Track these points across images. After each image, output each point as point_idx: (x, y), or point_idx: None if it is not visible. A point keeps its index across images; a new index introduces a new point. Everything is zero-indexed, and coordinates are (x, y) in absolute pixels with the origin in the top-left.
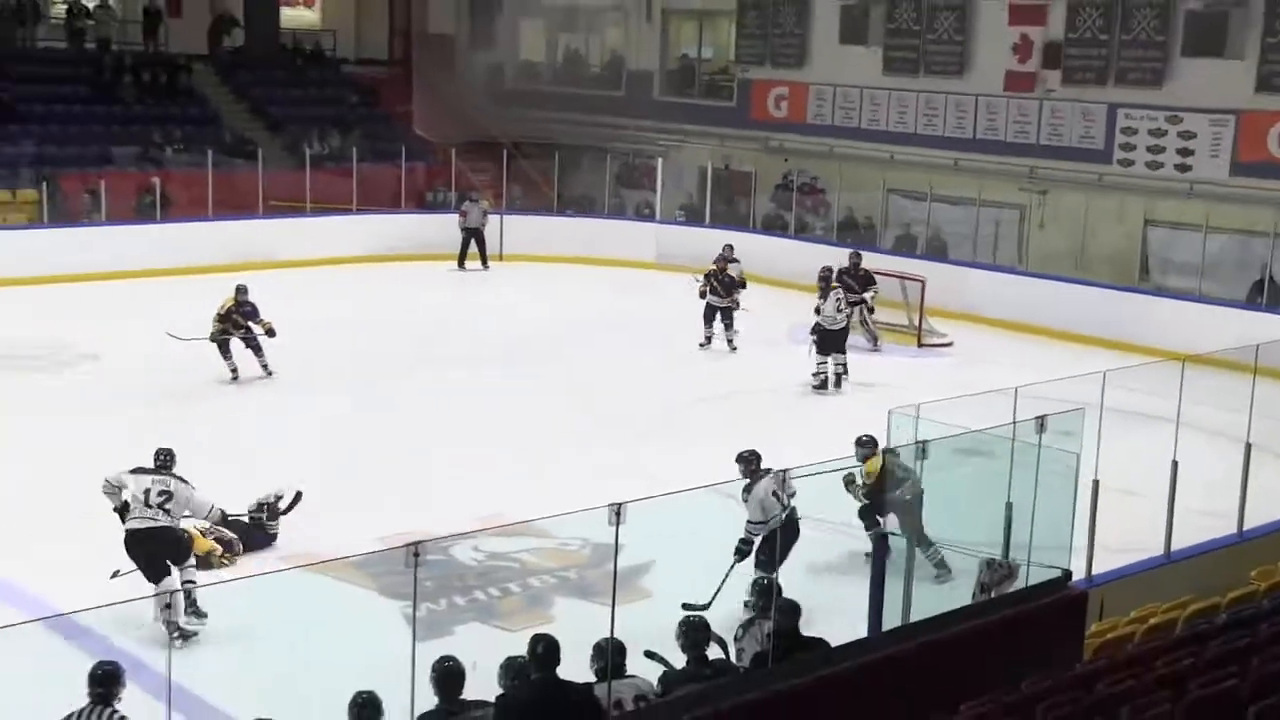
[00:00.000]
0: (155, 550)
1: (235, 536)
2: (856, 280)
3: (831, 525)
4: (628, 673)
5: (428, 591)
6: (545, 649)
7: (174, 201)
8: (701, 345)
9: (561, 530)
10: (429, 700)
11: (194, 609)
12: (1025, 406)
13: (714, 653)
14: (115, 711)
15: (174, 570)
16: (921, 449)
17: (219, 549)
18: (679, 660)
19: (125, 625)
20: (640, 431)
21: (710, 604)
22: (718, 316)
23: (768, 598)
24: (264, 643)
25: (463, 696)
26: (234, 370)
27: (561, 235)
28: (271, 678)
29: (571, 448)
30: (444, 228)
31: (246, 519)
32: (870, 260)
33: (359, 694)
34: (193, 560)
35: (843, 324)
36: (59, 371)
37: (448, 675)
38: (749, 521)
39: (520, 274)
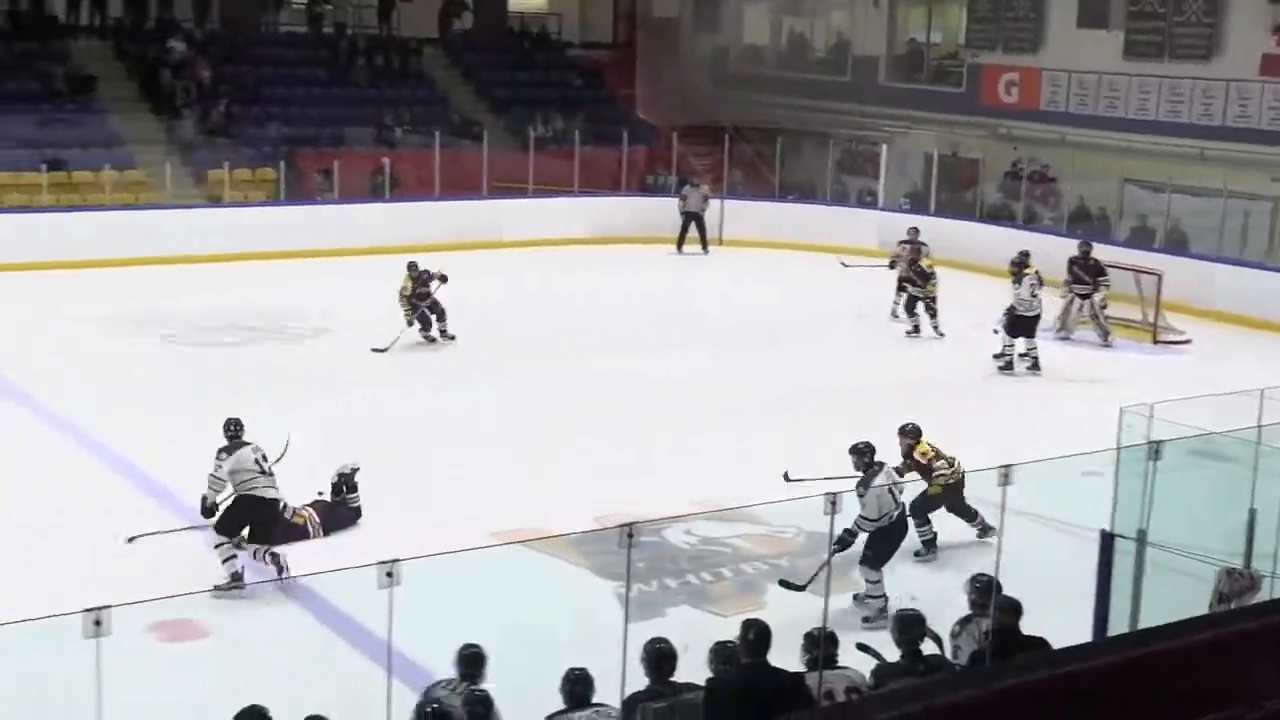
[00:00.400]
0: (263, 517)
1: (315, 521)
2: (1086, 270)
3: (1055, 523)
4: (839, 664)
5: (640, 573)
6: (756, 634)
7: (402, 181)
8: (909, 334)
9: (775, 517)
10: (639, 680)
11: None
12: (1272, 409)
13: (929, 648)
14: (479, 689)
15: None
16: (1155, 450)
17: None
18: (892, 654)
19: (348, 590)
20: (861, 420)
21: (806, 586)
22: (919, 306)
23: (986, 595)
24: (478, 616)
25: (673, 678)
26: (431, 338)
27: (782, 221)
28: (484, 648)
29: (788, 433)
30: (664, 211)
31: (328, 498)
32: (1103, 253)
33: (571, 670)
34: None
35: (1037, 310)
36: (296, 342)
37: (659, 656)
38: (862, 517)
39: (739, 258)
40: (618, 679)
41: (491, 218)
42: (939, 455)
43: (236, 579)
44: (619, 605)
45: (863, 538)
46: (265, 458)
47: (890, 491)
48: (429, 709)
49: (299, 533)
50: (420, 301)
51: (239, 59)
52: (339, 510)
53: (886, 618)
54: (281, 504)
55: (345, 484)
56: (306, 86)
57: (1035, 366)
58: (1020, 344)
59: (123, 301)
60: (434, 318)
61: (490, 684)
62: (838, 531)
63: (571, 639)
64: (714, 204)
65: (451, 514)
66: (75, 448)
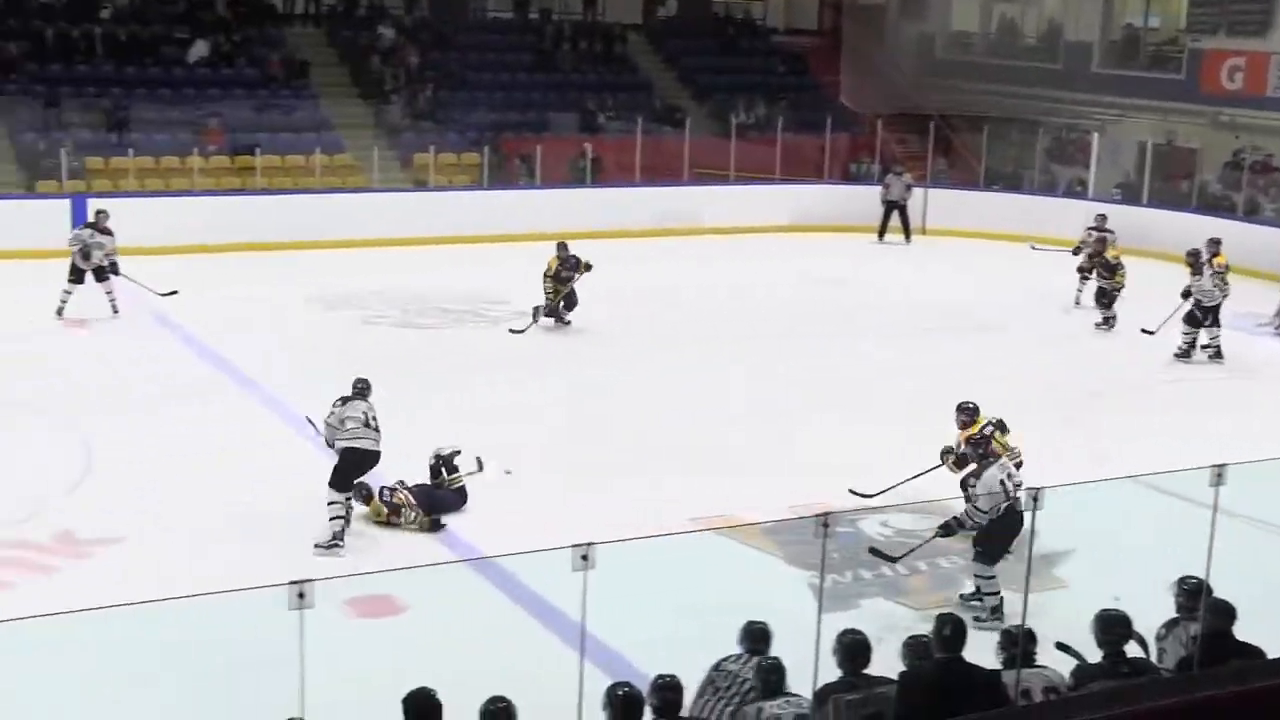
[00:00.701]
0: (367, 469)
1: (410, 503)
2: None
3: (1272, 527)
4: (1037, 663)
5: (834, 563)
6: (952, 630)
7: (604, 167)
8: (1099, 326)
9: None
10: (832, 672)
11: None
12: None
13: (1133, 651)
14: (770, 658)
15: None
16: None
17: (385, 511)
18: (1093, 656)
19: (542, 571)
20: (1065, 416)
21: (899, 560)
22: (1109, 298)
23: (1195, 598)
24: (671, 601)
25: (866, 671)
26: (566, 321)
27: (986, 210)
28: (675, 634)
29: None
30: (866, 199)
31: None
32: None
33: (765, 659)
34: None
35: (1219, 300)
36: (494, 325)
37: (853, 648)
38: (974, 507)
39: (941, 248)
40: (810, 669)
41: (692, 204)
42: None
43: (337, 539)
44: (812, 595)
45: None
46: (374, 418)
47: (1003, 482)
48: (620, 691)
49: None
50: (563, 285)
51: (446, 45)
52: (438, 493)
53: (1001, 618)
54: (376, 451)
55: (444, 466)
56: (511, 72)
57: (1218, 355)
58: (1203, 334)
59: (328, 283)
60: (562, 304)
61: (673, 670)
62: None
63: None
64: (917, 193)
65: (650, 498)
66: (280, 424)
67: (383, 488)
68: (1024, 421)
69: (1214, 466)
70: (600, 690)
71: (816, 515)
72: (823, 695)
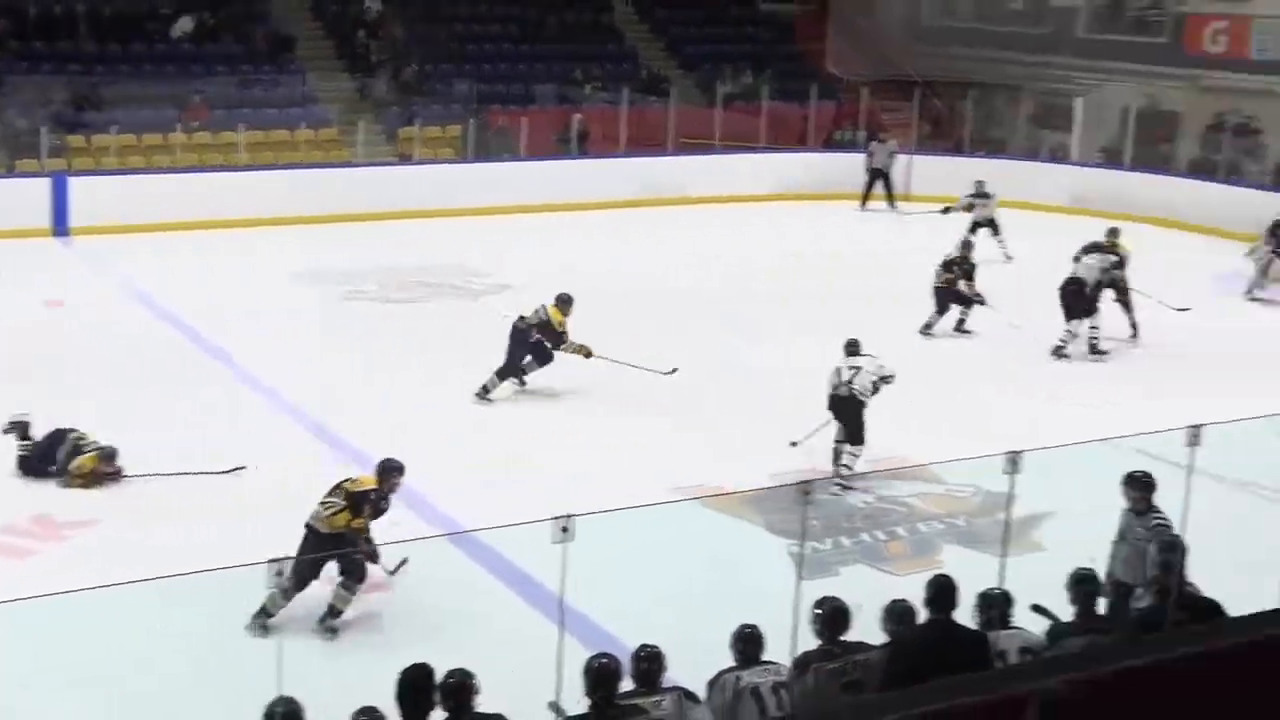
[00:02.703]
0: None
1: None
2: None
3: (1245, 485)
4: (1013, 624)
5: (815, 531)
6: (941, 591)
7: (590, 138)
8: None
9: (953, 476)
10: (810, 639)
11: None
12: None
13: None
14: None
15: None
16: None
17: None
18: (1069, 617)
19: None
20: (1051, 377)
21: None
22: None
23: (1171, 553)
24: (652, 571)
25: (845, 638)
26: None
27: (970, 176)
28: (655, 604)
29: (966, 392)
30: (850, 167)
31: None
32: None
33: (743, 627)
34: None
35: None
36: (475, 299)
37: (833, 615)
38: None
39: (923, 215)
40: (789, 637)
41: (678, 174)
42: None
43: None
44: (792, 563)
45: None
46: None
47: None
48: (596, 663)
49: None
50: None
51: (433, 17)
52: None
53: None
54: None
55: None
56: (497, 43)
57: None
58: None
59: (312, 259)
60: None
61: (653, 639)
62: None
63: (744, 596)
64: (901, 159)
65: (630, 470)
66: (259, 400)
67: None
68: (1006, 389)
69: (1189, 427)
70: (580, 662)
71: (798, 484)
72: (802, 663)
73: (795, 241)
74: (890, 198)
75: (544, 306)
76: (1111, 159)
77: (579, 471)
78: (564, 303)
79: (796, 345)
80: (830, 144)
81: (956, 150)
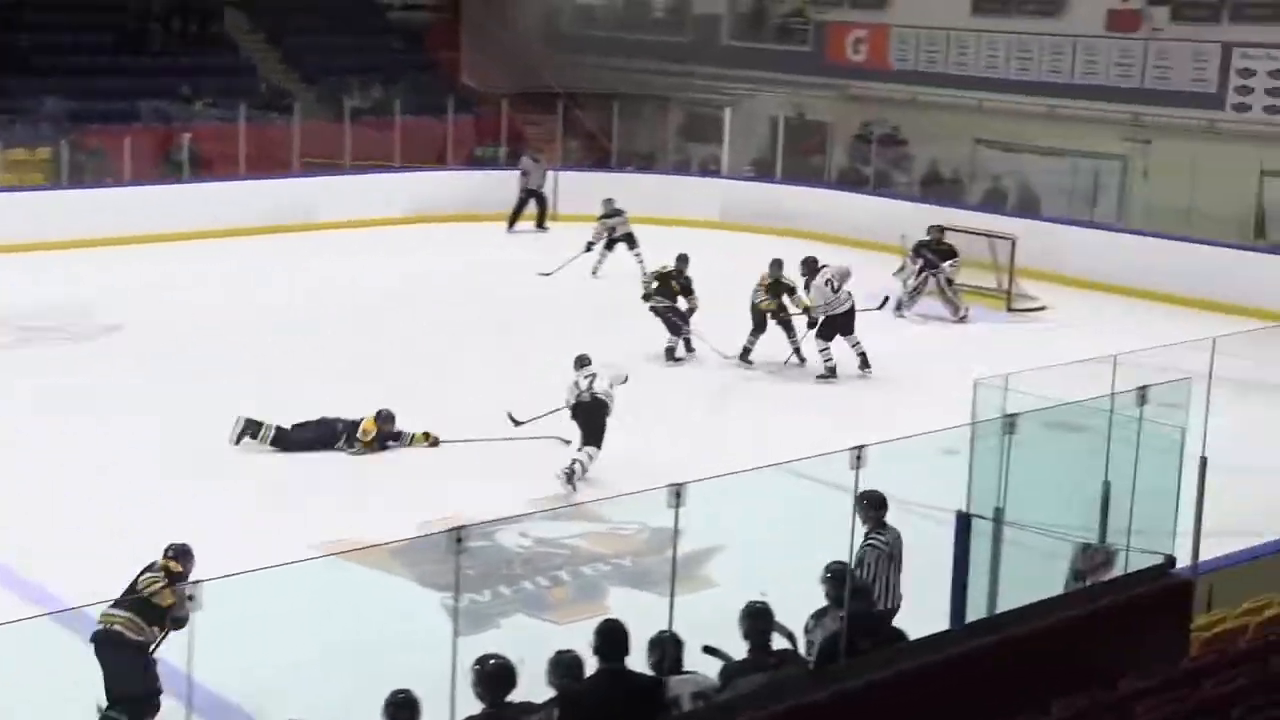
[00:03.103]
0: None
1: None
2: (938, 254)
3: (912, 506)
4: (685, 669)
5: (471, 581)
6: (612, 636)
7: (203, 159)
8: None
9: (617, 513)
10: (471, 702)
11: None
12: (1126, 376)
13: (780, 644)
14: None
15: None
16: (1010, 423)
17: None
18: (742, 653)
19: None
20: (696, 407)
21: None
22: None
23: (840, 585)
24: (290, 638)
25: (510, 698)
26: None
27: (620, 193)
28: (297, 675)
29: (628, 425)
30: (494, 186)
31: None
32: (956, 218)
33: (394, 693)
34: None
35: (848, 305)
36: (78, 343)
37: (494, 675)
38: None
39: (577, 235)
40: (447, 701)
41: (304, 197)
42: None
43: None
44: (448, 618)
45: None
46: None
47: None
48: None
49: None
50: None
51: (11, 24)
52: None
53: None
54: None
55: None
56: (91, 55)
57: (865, 364)
58: (842, 343)
59: None
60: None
61: (297, 713)
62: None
63: (396, 658)
64: (548, 176)
65: (266, 525)
66: None
67: None
68: (680, 413)
69: (853, 449)
70: None
71: (450, 530)
72: None
73: (436, 267)
74: (542, 219)
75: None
76: (763, 171)
77: (209, 530)
78: (385, 419)
79: (427, 381)
80: (471, 161)
81: (604, 165)
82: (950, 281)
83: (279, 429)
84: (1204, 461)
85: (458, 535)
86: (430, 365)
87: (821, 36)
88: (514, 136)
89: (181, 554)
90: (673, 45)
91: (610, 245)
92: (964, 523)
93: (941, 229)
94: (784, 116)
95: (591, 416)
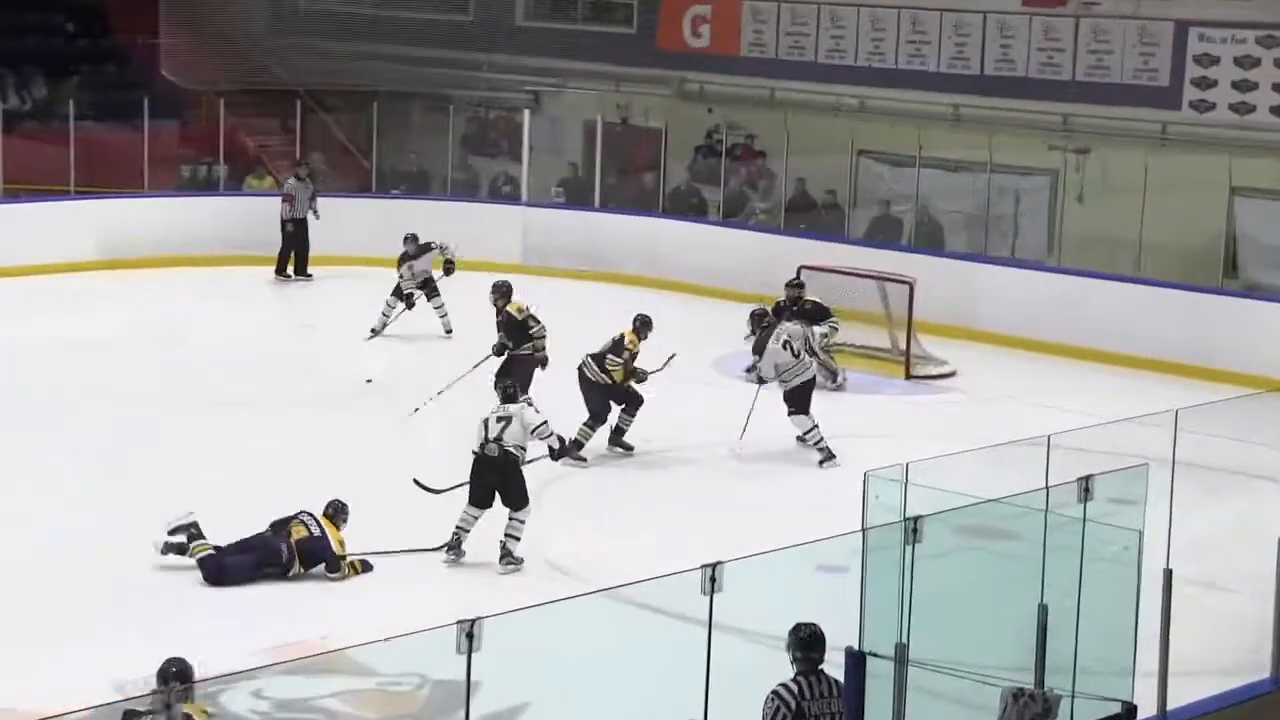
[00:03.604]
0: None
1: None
2: (802, 317)
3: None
4: None
5: None
6: None
7: None
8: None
9: (387, 663)
10: None
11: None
12: (1064, 463)
13: None
14: None
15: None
16: (912, 528)
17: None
18: None
19: None
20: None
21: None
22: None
23: None
24: None
25: None
26: None
27: (383, 225)
28: None
29: (402, 535)
30: (212, 217)
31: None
32: (837, 255)
33: None
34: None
35: (809, 373)
36: None
37: None
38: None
39: (333, 283)
40: None
41: None
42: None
43: None
44: None
45: None
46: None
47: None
48: None
49: None
50: None
51: None
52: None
53: None
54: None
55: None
56: None
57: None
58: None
59: None
60: None
61: None
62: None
63: None
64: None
65: None
66: None
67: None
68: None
69: (705, 567)
70: None
71: (153, 692)
72: None
73: (134, 323)
74: (303, 262)
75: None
76: (575, 196)
77: None
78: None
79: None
80: (180, 186)
81: (362, 189)
82: (826, 345)
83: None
84: (1169, 575)
85: (167, 699)
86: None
87: (651, 15)
88: (235, 150)
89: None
90: (452, 28)
91: (427, 288)
92: (855, 662)
93: (799, 284)
94: (602, 121)
95: (505, 477)
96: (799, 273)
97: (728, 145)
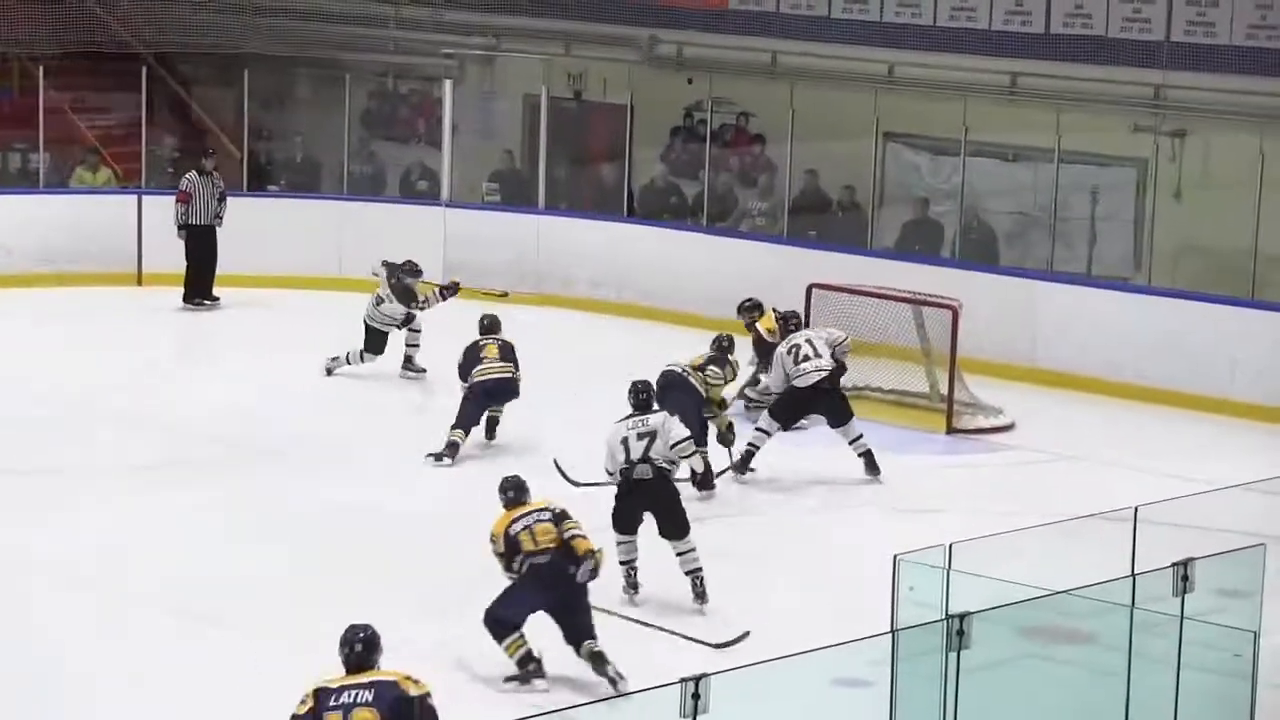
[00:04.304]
0: None
1: None
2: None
3: None
4: None
5: None
6: None
7: None
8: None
9: None
10: None
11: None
12: (1154, 541)
13: None
14: None
15: None
16: (956, 628)
17: None
18: None
19: None
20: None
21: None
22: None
23: None
24: None
25: None
26: None
27: (263, 233)
28: None
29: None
30: (28, 221)
31: None
32: (857, 270)
33: None
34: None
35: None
36: None
37: None
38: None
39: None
40: None
41: None
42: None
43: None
44: None
45: None
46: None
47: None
48: None
49: None
50: None
51: None
52: None
53: None
54: None
55: None
56: None
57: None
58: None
59: None
60: None
61: None
62: None
63: None
64: (128, 201)
65: None
66: None
67: None
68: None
69: (685, 681)
70: None
71: None
72: None
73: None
74: (208, 280)
75: None
76: (511, 194)
77: None
78: None
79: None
80: None
81: (231, 184)
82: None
83: None
84: None
85: None
86: None
87: None
88: (61, 135)
89: None
90: None
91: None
92: None
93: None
94: (548, 95)
95: (659, 501)
96: (753, 303)
97: (714, 127)
